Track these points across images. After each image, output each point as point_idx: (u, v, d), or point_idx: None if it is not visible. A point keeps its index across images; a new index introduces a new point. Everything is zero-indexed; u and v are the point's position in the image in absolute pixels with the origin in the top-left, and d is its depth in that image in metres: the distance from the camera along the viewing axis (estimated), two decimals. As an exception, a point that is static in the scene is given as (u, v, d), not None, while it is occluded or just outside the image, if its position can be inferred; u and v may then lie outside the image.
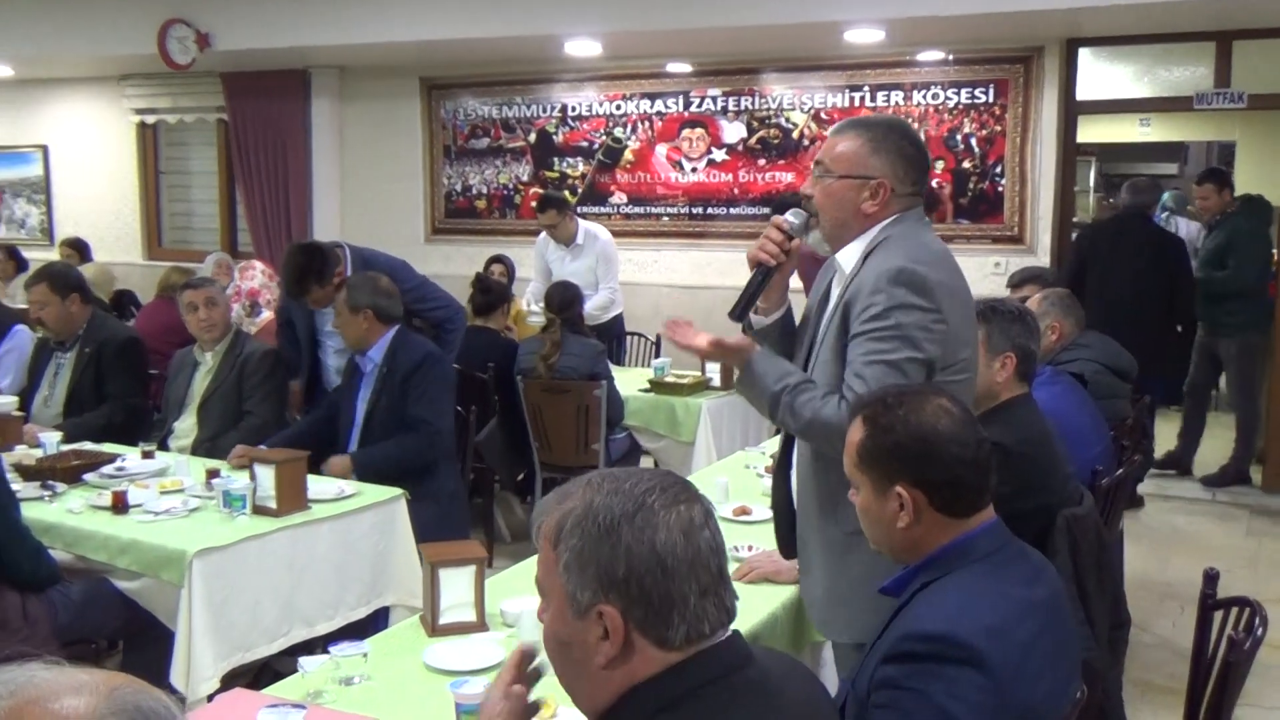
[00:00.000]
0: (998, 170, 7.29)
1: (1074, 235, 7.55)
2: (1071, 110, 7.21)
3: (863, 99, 7.58)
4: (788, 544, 2.75)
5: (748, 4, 6.68)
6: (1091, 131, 9.22)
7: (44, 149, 10.67)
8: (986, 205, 7.35)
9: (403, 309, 4.52)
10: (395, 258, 5.32)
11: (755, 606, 2.92)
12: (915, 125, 7.36)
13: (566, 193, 8.52)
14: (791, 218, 2.52)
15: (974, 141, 7.33)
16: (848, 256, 2.46)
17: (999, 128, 7.25)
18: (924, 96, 7.44)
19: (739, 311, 2.59)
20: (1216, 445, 7.16)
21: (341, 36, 7.82)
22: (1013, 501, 2.91)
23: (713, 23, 6.79)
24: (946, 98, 7.38)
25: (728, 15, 6.74)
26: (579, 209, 8.34)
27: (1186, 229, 8.67)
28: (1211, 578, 2.55)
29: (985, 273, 7.10)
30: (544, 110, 8.61)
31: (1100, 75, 7.41)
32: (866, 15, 6.55)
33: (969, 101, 7.32)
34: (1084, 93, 7.24)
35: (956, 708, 1.73)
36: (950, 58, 7.33)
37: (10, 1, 8.78)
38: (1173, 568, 5.44)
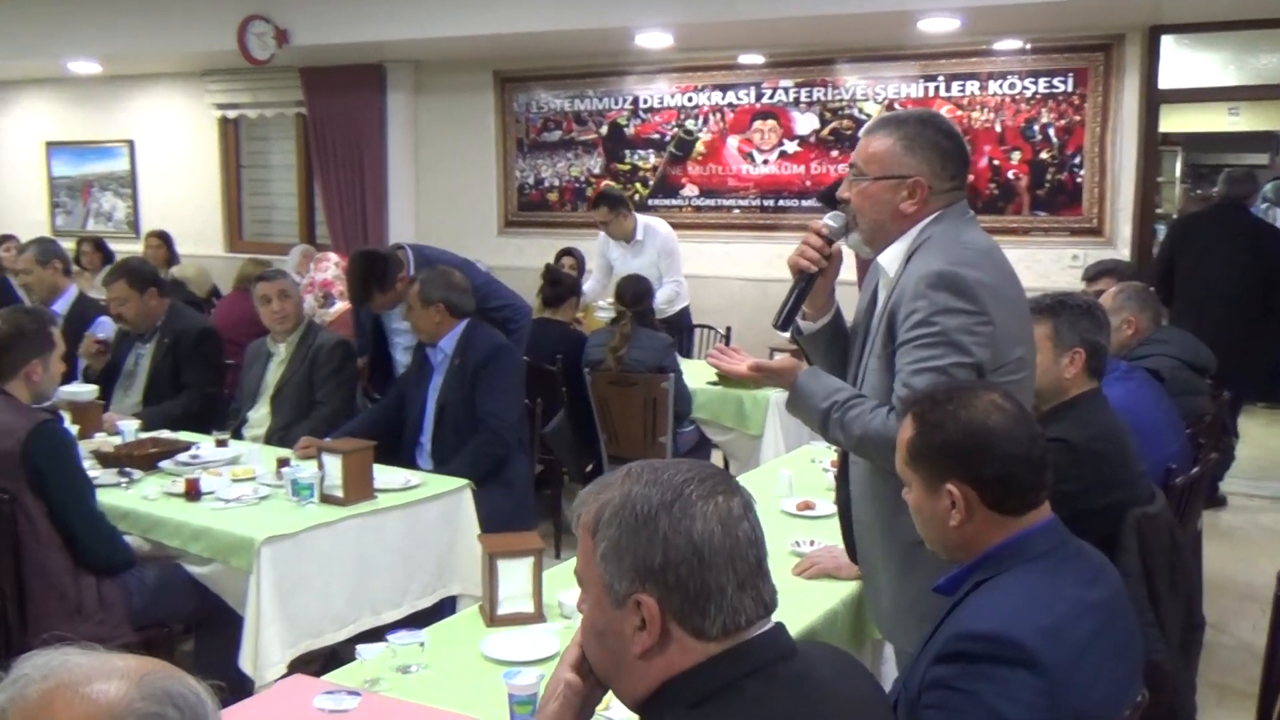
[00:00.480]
0: (1076, 161, 7.14)
1: (1164, 227, 7.39)
2: (1154, 99, 7.02)
3: (937, 89, 7.47)
4: (852, 549, 2.71)
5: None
6: (1177, 121, 9.01)
7: (130, 144, 10.89)
8: (1064, 197, 7.20)
9: (474, 303, 4.55)
10: (458, 256, 5.35)
11: (815, 602, 2.90)
12: (991, 115, 7.27)
13: (639, 185, 8.54)
14: (831, 221, 2.48)
15: (1052, 132, 7.19)
16: (890, 259, 2.40)
17: (1078, 117, 7.10)
18: (1000, 86, 7.31)
19: (782, 320, 2.53)
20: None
21: (417, 31, 7.87)
22: (1081, 499, 2.88)
23: (786, 12, 6.73)
24: (1024, 87, 7.24)
25: (801, 5, 6.67)
26: (650, 201, 8.36)
27: (1281, 220, 8.44)
28: (1286, 579, 2.47)
29: (1062, 265, 6.97)
30: (616, 103, 8.61)
31: (1185, 63, 7.20)
32: (942, 3, 6.44)
33: (1047, 91, 7.18)
34: (1168, 81, 7.04)
35: (1008, 709, 1.70)
36: (1028, 46, 7.20)
37: (96, 1, 9.00)
38: (1257, 569, 5.29)
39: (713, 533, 1.37)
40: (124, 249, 8.56)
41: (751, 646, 1.40)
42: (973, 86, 7.39)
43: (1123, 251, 6.95)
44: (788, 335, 2.67)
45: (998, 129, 7.30)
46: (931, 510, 1.97)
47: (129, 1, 8.86)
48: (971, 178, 7.31)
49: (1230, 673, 4.17)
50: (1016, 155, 7.23)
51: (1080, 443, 2.96)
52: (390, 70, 9.14)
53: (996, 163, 7.34)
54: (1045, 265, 7.14)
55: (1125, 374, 3.62)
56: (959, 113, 7.30)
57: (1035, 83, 7.21)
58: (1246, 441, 6.96)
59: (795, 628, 2.78)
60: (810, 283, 2.48)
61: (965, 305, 2.22)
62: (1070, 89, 7.11)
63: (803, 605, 2.87)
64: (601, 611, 1.43)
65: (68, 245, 9.46)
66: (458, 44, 8.19)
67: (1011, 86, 7.28)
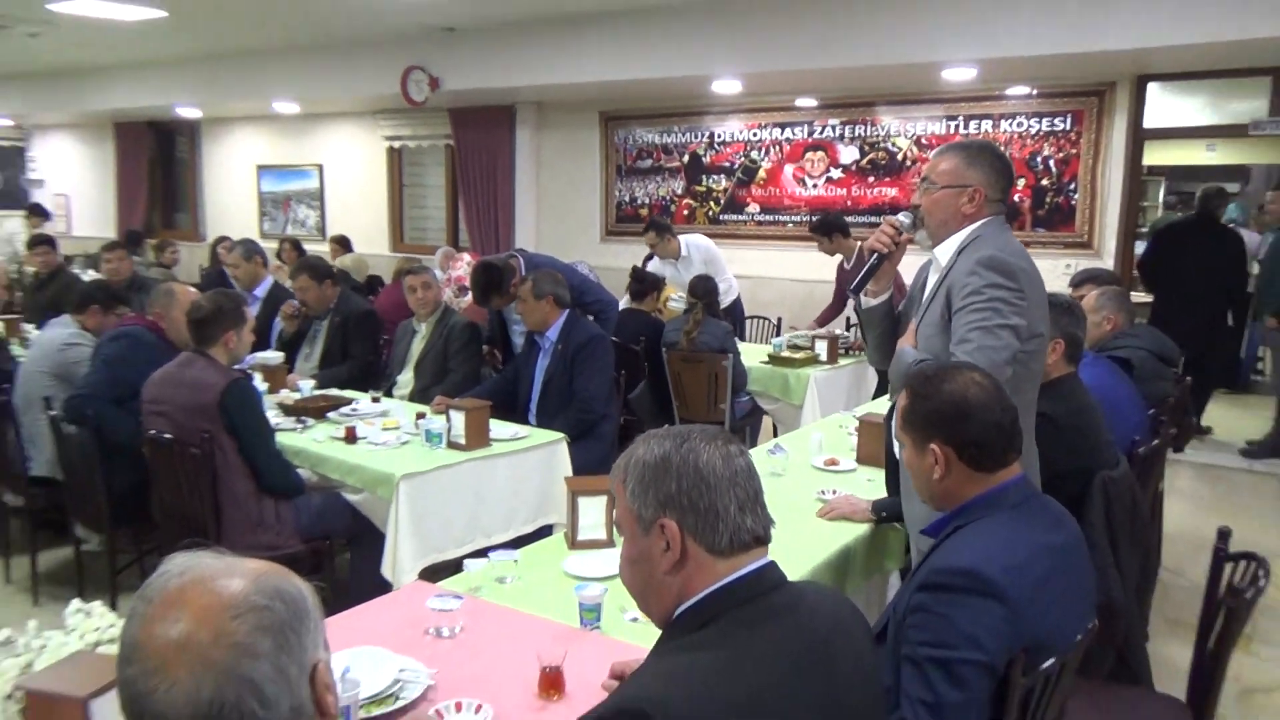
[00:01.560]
0: (1071, 187, 6.88)
1: (1149, 233, 7.15)
2: (1139, 137, 6.72)
3: (957, 127, 7.26)
4: (892, 484, 2.80)
5: (863, 48, 6.45)
6: (1162, 154, 8.69)
7: (320, 167, 11.08)
8: (1060, 216, 6.95)
9: (572, 298, 4.54)
10: (561, 261, 5.36)
11: (835, 539, 2.85)
12: (1002, 149, 7.02)
13: (712, 203, 8.46)
14: (903, 217, 2.56)
15: (1052, 163, 6.94)
16: (944, 251, 2.45)
17: (1074, 151, 6.84)
18: (1010, 125, 7.07)
19: (857, 284, 2.61)
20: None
21: (540, 79, 7.89)
22: (1059, 463, 2.79)
23: (834, 64, 6.59)
24: (1029, 125, 7.00)
25: (847, 57, 6.52)
26: (721, 216, 8.28)
27: (1249, 238, 8.01)
28: (1224, 534, 2.36)
29: (1057, 274, 6.71)
30: (696, 136, 8.53)
31: (1168, 106, 6.87)
32: (962, 56, 6.25)
33: (1048, 129, 6.93)
34: (1153, 120, 6.73)
35: (978, 631, 1.65)
36: (1034, 92, 6.95)
37: (295, 56, 9.19)
38: (1208, 524, 5.06)
39: (715, 463, 1.37)
40: (313, 249, 8.75)
41: (747, 579, 1.36)
42: (986, 125, 7.16)
43: (1108, 262, 6.68)
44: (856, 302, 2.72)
45: (1008, 158, 7.06)
46: (919, 466, 1.92)
47: (320, 57, 9.03)
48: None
49: (1182, 609, 3.99)
50: (1021, 182, 6.99)
51: (1060, 417, 2.86)
52: (519, 110, 9.18)
53: (1005, 188, 7.10)
54: (1043, 272, 6.86)
55: (1094, 361, 3.48)
56: (974, 146, 7.08)
57: (1039, 122, 6.96)
58: (1216, 424, 6.69)
59: (817, 559, 2.76)
60: (881, 262, 2.56)
61: (1008, 282, 2.26)
62: (1068, 127, 6.85)
63: (824, 541, 2.83)
64: (634, 542, 1.42)
65: (271, 245, 9.78)
66: (572, 89, 8.20)
67: (1019, 125, 7.04)
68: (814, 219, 7.11)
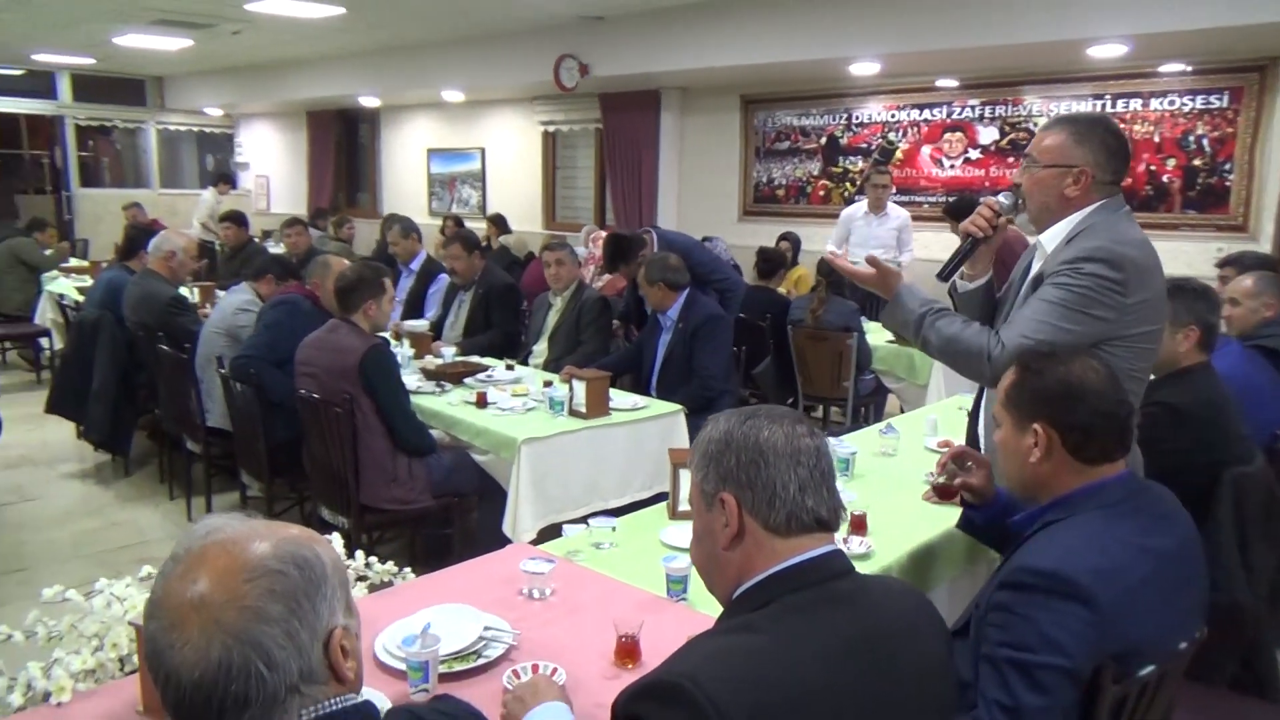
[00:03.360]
0: (1226, 167, 6.22)
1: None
2: (1305, 113, 6.01)
3: (1104, 106, 6.66)
4: None
5: (1006, 26, 5.98)
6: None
7: (482, 150, 11.29)
8: (1213, 198, 6.30)
9: (689, 277, 4.42)
10: (691, 238, 5.25)
11: (937, 522, 2.65)
12: (1151, 128, 6.44)
13: (848, 184, 8.14)
14: (1003, 199, 2.23)
15: (1205, 142, 6.29)
16: (1050, 237, 2.13)
17: (1230, 130, 6.17)
18: (1161, 103, 6.44)
19: (946, 272, 2.32)
20: None
21: (684, 64, 7.74)
22: (1183, 456, 2.51)
23: (976, 43, 6.15)
24: (1182, 104, 6.36)
25: (989, 36, 6.07)
26: (855, 198, 7.95)
27: None
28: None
29: (1208, 257, 6.11)
30: (834, 119, 8.20)
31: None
32: (1112, 32, 5.72)
33: (1203, 107, 6.27)
34: (1322, 96, 6.01)
35: (1058, 634, 1.47)
36: (1189, 68, 6.30)
37: (460, 48, 9.37)
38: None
39: (776, 440, 1.28)
40: (474, 225, 8.93)
41: (806, 565, 1.26)
42: (1136, 104, 6.55)
43: (1265, 246, 6.01)
44: (947, 286, 2.42)
45: (1156, 139, 6.46)
46: (1016, 446, 1.73)
47: (479, 49, 9.16)
48: (1129, 181, 6.53)
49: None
50: (1171, 162, 6.38)
51: (1184, 407, 2.57)
52: (664, 95, 9.06)
53: (1153, 168, 6.50)
54: (1191, 256, 6.28)
55: (1233, 350, 3.11)
56: (1122, 126, 6.48)
57: (1193, 99, 6.31)
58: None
59: (918, 541, 2.57)
60: (975, 246, 2.27)
61: (1110, 273, 1.95)
62: (1225, 104, 6.18)
63: (927, 523, 2.64)
64: (700, 517, 1.35)
65: (437, 223, 10.07)
66: (714, 74, 8.01)
67: (1171, 103, 6.41)
68: (948, 201, 6.73)
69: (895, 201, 7.40)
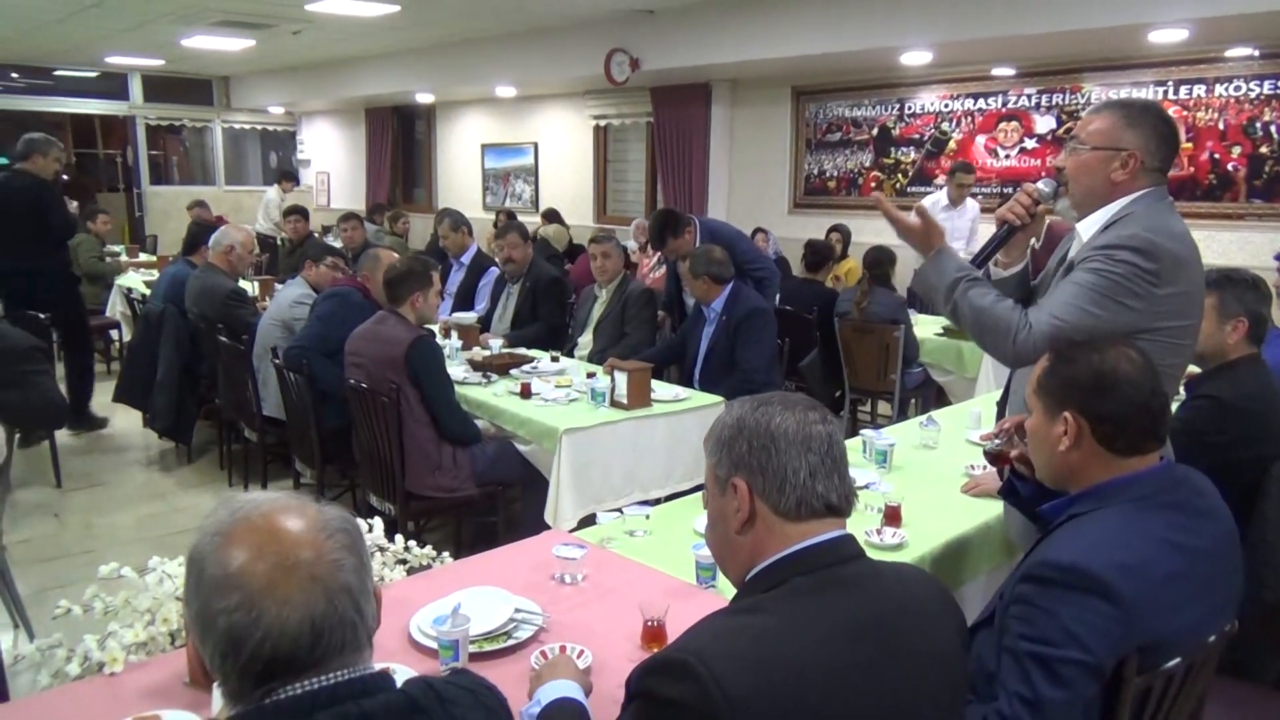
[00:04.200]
0: (1295, 154, 6.02)
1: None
2: (1380, 97, 5.78)
3: (1165, 93, 6.49)
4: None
5: (1064, 10, 5.84)
6: None
7: (535, 145, 11.36)
8: (1280, 186, 6.10)
9: (734, 270, 4.42)
10: (733, 228, 5.26)
11: (974, 514, 2.64)
12: (1215, 115, 6.25)
13: (900, 176, 8.05)
14: (1042, 185, 2.16)
15: (1273, 129, 6.08)
16: (1089, 225, 2.06)
17: (1300, 115, 5.97)
18: (1226, 89, 6.25)
19: (980, 259, 2.22)
20: None
21: (735, 56, 7.70)
22: (1229, 450, 2.46)
23: (1030, 30, 6.02)
24: (1248, 89, 6.16)
25: (1046, 22, 5.92)
26: (908, 189, 7.86)
27: None
28: None
29: (1275, 248, 5.91)
30: (885, 109, 8.10)
31: None
32: (1174, 16, 5.55)
33: (1271, 92, 6.06)
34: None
35: (1079, 629, 1.45)
36: (1256, 53, 6.10)
37: (511, 44, 9.46)
38: None
39: (788, 426, 1.30)
40: (527, 220, 9.02)
41: (816, 549, 1.28)
42: (1199, 90, 6.36)
43: (1335, 236, 5.82)
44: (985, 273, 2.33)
45: (1220, 127, 6.26)
46: (1045, 434, 1.70)
47: (534, 42, 9.23)
48: (1192, 170, 6.34)
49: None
50: (1237, 150, 6.18)
51: (1230, 400, 2.51)
52: (714, 88, 9.04)
53: (1217, 156, 6.31)
54: (1257, 246, 6.09)
55: (1274, 338, 3.02)
56: (1184, 113, 6.33)
57: (1260, 85, 6.10)
58: None
59: (953, 533, 2.56)
60: (1011, 234, 2.19)
61: (1141, 262, 1.88)
62: (1293, 90, 5.98)
63: (964, 515, 2.63)
64: (714, 502, 1.38)
65: (491, 217, 10.18)
66: (765, 65, 7.96)
67: (1236, 89, 6.21)
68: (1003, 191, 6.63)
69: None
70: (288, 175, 11.90)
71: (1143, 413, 1.63)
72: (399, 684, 1.06)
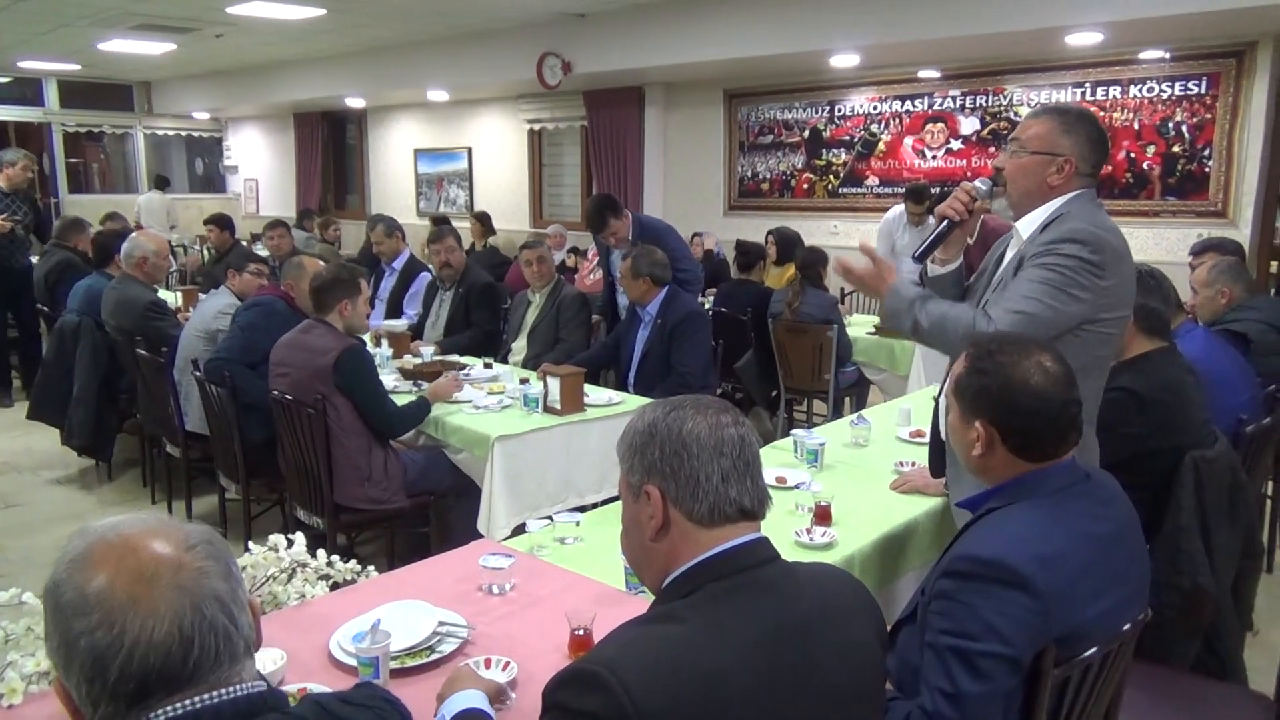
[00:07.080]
0: (1205, 154, 6.23)
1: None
2: (1284, 97, 6.02)
3: (1083, 94, 6.68)
4: (936, 465, 2.48)
5: (985, 14, 5.99)
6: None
7: (469, 150, 11.27)
8: (1192, 184, 6.31)
9: (672, 274, 4.41)
10: (664, 223, 5.26)
11: (904, 511, 2.66)
12: (1130, 115, 6.45)
13: (831, 177, 8.14)
14: (979, 184, 2.27)
15: (1185, 129, 6.30)
16: (1027, 224, 2.17)
17: (1209, 115, 6.19)
18: (1140, 90, 6.46)
19: (920, 253, 2.34)
20: None
21: (667, 59, 7.75)
22: (1146, 440, 2.52)
23: (954, 33, 6.16)
24: (1161, 90, 6.37)
25: (967, 25, 6.08)
26: (840, 190, 7.96)
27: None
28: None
29: (1188, 244, 6.10)
30: (816, 112, 8.21)
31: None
32: (1088, 19, 5.72)
33: (1182, 93, 6.29)
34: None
35: (1000, 621, 1.47)
36: (1168, 55, 6.31)
37: (444, 47, 9.36)
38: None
39: (700, 431, 1.27)
40: (460, 224, 8.89)
41: (728, 554, 1.26)
42: (1115, 91, 6.57)
43: (1245, 232, 6.04)
44: (920, 267, 2.43)
45: (1135, 127, 6.47)
46: (962, 436, 1.74)
47: (464, 47, 9.14)
48: (1109, 169, 6.53)
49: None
50: (1151, 149, 6.39)
51: (1145, 392, 2.58)
52: (647, 91, 9.08)
53: (1133, 155, 6.51)
54: (1172, 243, 6.30)
55: (1198, 335, 3.13)
56: (1101, 114, 6.51)
57: (1171, 86, 6.33)
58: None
59: (884, 529, 2.58)
60: (950, 229, 2.29)
61: (1090, 256, 1.99)
62: (1203, 90, 6.20)
63: (893, 513, 2.65)
64: (628, 508, 1.35)
65: (425, 223, 10.04)
66: (696, 68, 8.02)
67: (1150, 90, 6.42)
68: (905, 187, 6.71)
69: (877, 194, 7.43)
70: (161, 182, 11.65)
71: (1049, 424, 1.65)
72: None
